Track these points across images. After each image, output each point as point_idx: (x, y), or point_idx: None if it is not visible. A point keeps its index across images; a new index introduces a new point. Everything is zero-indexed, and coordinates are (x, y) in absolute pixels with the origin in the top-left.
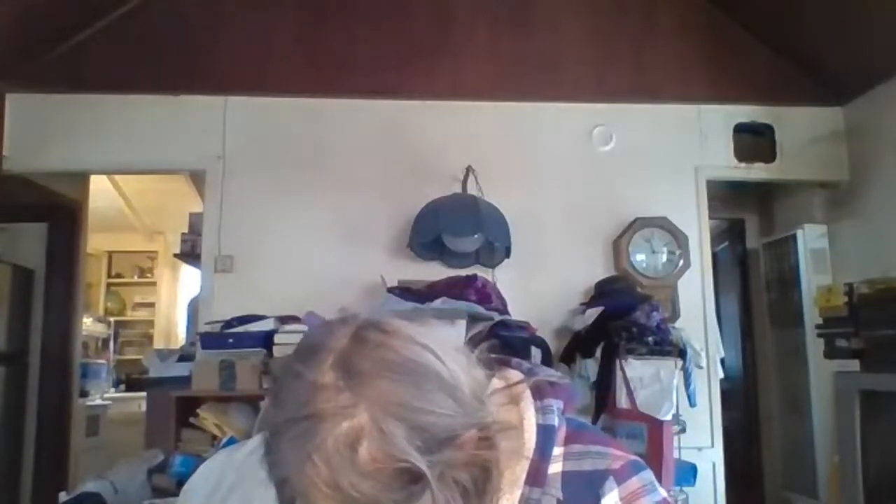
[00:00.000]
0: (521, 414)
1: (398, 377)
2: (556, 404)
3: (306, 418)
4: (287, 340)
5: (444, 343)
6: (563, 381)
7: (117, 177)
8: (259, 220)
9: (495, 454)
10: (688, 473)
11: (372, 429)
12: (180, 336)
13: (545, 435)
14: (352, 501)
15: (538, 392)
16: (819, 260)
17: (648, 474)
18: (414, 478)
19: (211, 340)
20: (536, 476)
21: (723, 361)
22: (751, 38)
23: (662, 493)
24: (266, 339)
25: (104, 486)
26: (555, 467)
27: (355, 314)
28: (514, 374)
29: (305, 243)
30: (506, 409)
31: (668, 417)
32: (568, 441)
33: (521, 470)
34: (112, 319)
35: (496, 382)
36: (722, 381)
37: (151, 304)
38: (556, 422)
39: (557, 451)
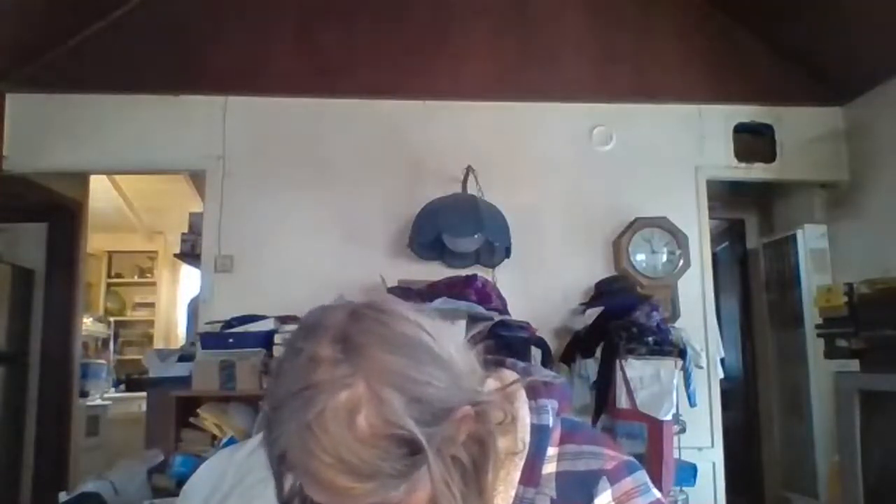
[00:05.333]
0: (516, 414)
1: (394, 349)
2: (551, 404)
3: (305, 390)
4: None
5: (438, 327)
6: (558, 381)
7: (117, 177)
8: (259, 220)
9: (490, 430)
10: (688, 473)
11: (370, 397)
12: (180, 336)
13: (539, 435)
14: (353, 469)
15: (533, 392)
16: (819, 260)
17: (642, 475)
18: (413, 449)
19: (211, 340)
20: (531, 475)
21: (723, 361)
22: (751, 38)
23: (656, 493)
24: (266, 339)
25: (104, 486)
26: (549, 467)
27: (351, 300)
28: (509, 375)
29: (305, 243)
30: (500, 408)
31: (668, 417)
32: (563, 441)
33: (516, 469)
34: (112, 319)
35: (491, 383)
36: (722, 381)
37: (151, 304)
38: (550, 421)
39: (552, 451)
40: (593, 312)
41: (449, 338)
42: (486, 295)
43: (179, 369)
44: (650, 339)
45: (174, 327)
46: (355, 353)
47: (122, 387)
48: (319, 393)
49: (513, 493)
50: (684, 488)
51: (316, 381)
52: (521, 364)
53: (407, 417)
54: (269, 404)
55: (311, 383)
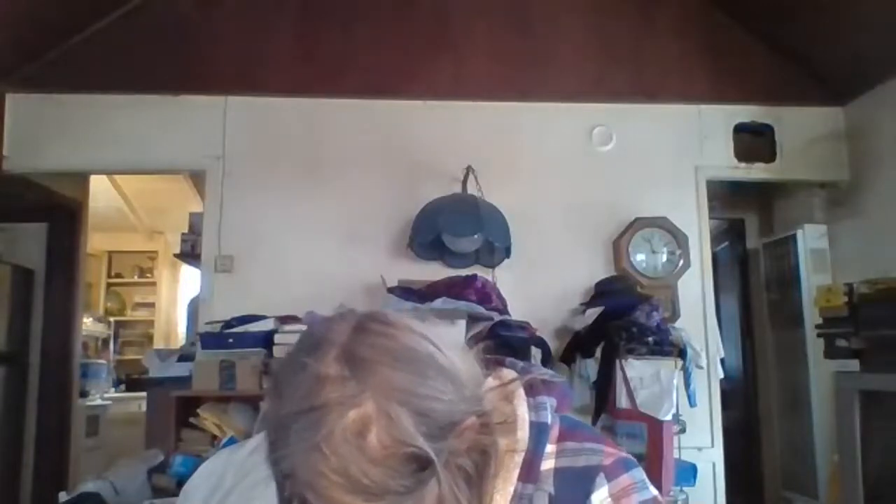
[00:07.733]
0: (515, 411)
1: (400, 364)
2: (550, 402)
3: (313, 410)
4: (287, 340)
5: (440, 336)
6: (557, 379)
7: (117, 177)
8: (259, 220)
9: (494, 439)
10: (688, 473)
11: (379, 416)
12: (180, 336)
13: (538, 431)
14: (362, 489)
15: (531, 390)
16: (819, 260)
17: (639, 472)
18: (422, 464)
19: (211, 340)
20: (529, 472)
21: (723, 361)
22: (751, 38)
23: (653, 491)
24: (266, 339)
25: (104, 486)
26: (548, 464)
27: (353, 310)
28: (508, 373)
29: (305, 243)
30: (500, 407)
31: (668, 417)
32: (561, 439)
33: (515, 466)
34: (112, 319)
35: (490, 381)
36: (722, 381)
37: (151, 304)
38: (548, 419)
39: (550, 448)
40: (593, 312)
41: (452, 345)
42: (486, 295)
43: (179, 369)
44: (650, 339)
45: (174, 327)
46: (362, 370)
47: (122, 387)
48: (328, 413)
49: (511, 489)
50: (684, 488)
51: (323, 400)
52: (520, 363)
53: (417, 434)
54: (272, 420)
55: (318, 403)
